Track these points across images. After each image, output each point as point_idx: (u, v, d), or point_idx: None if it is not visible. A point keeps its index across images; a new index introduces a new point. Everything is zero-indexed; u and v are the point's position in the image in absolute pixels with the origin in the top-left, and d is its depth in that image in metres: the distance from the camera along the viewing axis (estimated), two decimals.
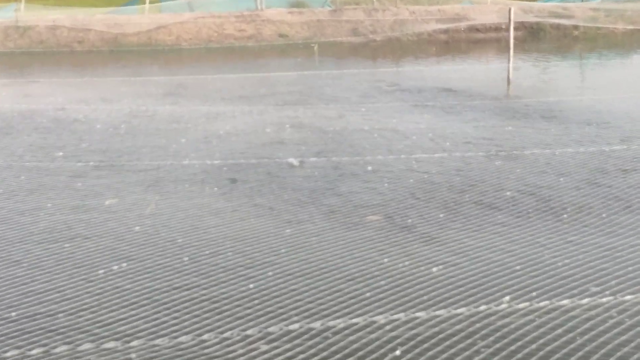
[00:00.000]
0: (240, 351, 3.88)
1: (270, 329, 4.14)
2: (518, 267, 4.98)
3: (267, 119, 11.07)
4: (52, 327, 4.09)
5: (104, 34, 25.49)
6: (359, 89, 14.44)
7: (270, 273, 4.95)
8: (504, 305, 4.37)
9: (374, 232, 5.77)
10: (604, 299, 4.43)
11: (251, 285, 4.72)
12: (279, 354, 3.85)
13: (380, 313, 4.30)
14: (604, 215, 6.10)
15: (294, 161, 7.50)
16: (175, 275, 4.93)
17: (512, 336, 4.03)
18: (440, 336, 4.03)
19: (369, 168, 7.89)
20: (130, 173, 7.88)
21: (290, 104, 12.59)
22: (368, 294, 4.56)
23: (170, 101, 13.11)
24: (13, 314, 4.28)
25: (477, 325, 4.16)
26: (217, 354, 3.85)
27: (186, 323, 4.23)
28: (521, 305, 4.37)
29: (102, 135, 9.93)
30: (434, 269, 4.97)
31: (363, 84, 15.17)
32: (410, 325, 4.17)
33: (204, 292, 4.64)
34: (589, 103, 12.29)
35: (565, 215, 6.12)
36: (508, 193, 6.84)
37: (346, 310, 4.34)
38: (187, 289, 4.68)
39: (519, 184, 7.15)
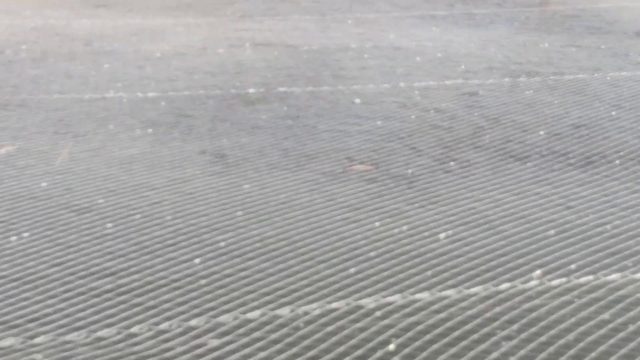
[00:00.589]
0: (182, 348, 3.89)
1: (222, 319, 4.15)
2: (552, 233, 5.01)
3: (220, 36, 11.01)
4: None
5: None
6: None
7: (222, 244, 4.95)
8: (533, 283, 4.40)
9: (361, 188, 5.77)
10: None
11: (197, 261, 4.72)
12: (233, 351, 3.86)
13: (369, 295, 4.33)
14: None
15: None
16: (95, 248, 4.92)
17: (543, 323, 4.07)
18: (448, 324, 4.06)
19: (357, 101, 7.88)
20: (35, 111, 7.81)
21: (253, 15, 12.51)
22: (352, 270, 4.58)
23: (90, 13, 12.99)
24: None
25: (497, 309, 4.20)
26: (151, 351, 3.85)
27: (109, 312, 4.23)
28: (555, 282, 4.41)
29: None
30: (441, 236, 4.99)
31: None
32: (408, 310, 4.19)
33: (133, 270, 4.64)
34: None
35: (617, 162, 6.16)
36: (541, 133, 6.86)
37: (324, 292, 4.36)
38: (111, 267, 4.67)
39: (557, 121, 7.17)
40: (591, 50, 9.75)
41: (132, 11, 13.04)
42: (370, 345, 3.91)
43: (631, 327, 4.03)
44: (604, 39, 10.28)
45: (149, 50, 10.27)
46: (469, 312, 4.16)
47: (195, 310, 4.24)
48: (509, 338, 3.95)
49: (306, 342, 3.94)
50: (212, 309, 4.24)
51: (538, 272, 4.52)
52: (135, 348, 3.90)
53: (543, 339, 3.93)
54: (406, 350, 3.86)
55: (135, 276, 4.56)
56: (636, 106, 7.48)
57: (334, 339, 3.96)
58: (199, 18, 12.29)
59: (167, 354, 3.86)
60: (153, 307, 4.29)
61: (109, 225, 5.25)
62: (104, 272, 4.62)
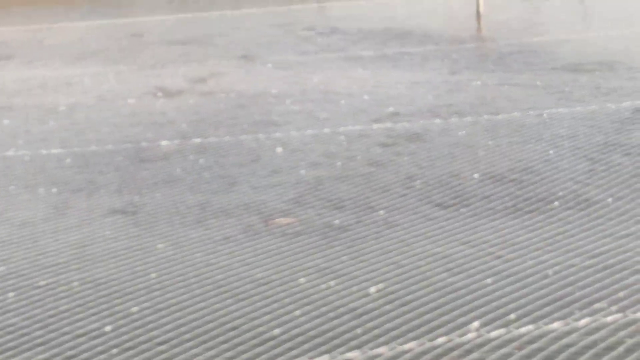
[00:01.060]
0: None
1: None
2: (489, 282, 5.05)
3: (130, 86, 10.99)
4: None
5: None
6: (264, 37, 14.44)
7: (134, 309, 4.91)
8: (470, 335, 4.43)
9: (284, 243, 5.77)
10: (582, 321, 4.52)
11: (108, 328, 4.68)
12: None
13: (294, 358, 4.32)
14: (609, 200, 6.26)
15: None
16: None
17: None
18: None
19: (279, 149, 7.91)
20: None
21: (165, 62, 12.51)
22: (277, 331, 4.56)
23: None
24: None
25: None
26: None
27: None
28: (494, 334, 4.44)
29: None
30: (371, 290, 5.01)
31: (270, 29, 15.19)
32: None
33: (37, 343, 4.57)
34: (593, 42, 12.57)
35: (556, 203, 6.25)
36: (475, 176, 6.93)
37: None
38: (10, 342, 4.60)
39: (491, 164, 7.26)
40: (527, 87, 9.91)
41: (31, 62, 12.97)
42: None
43: None
44: (540, 75, 10.44)
45: (52, 103, 10.21)
46: None
47: None
48: None
49: None
50: None
51: (475, 323, 4.55)
52: None
53: None
54: None
55: (40, 349, 4.49)
56: (574, 145, 7.60)
57: None
58: (107, 66, 12.26)
59: None
60: None
61: (10, 295, 5.18)
62: (3, 347, 4.55)
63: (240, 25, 15.84)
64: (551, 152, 7.46)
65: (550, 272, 5.12)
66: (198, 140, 8.35)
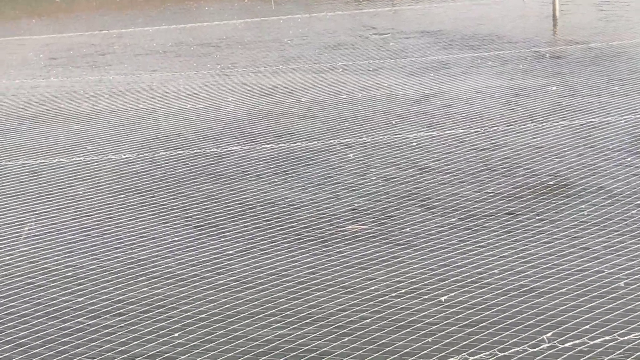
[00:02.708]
0: None
1: None
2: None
3: (200, 88, 11.05)
4: None
5: None
6: (334, 41, 14.44)
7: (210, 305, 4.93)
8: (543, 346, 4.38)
9: (354, 248, 5.75)
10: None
11: (176, 333, 4.70)
12: None
13: None
14: None
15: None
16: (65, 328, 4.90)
17: None
18: None
19: (350, 155, 7.90)
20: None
21: (235, 67, 12.58)
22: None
23: (58, 71, 13.06)
24: None
25: None
26: None
27: None
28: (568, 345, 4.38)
29: None
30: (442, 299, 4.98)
31: (341, 34, 15.19)
32: None
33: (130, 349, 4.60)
34: None
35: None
36: (551, 183, 6.86)
37: None
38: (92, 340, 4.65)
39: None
40: (601, 90, 9.81)
41: (103, 67, 13.12)
42: None
43: None
44: (618, 78, 10.32)
45: (123, 107, 10.30)
46: None
47: None
48: None
49: None
50: None
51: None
52: None
53: None
54: None
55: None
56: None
57: None
58: (177, 71, 12.35)
59: None
60: None
61: (80, 299, 5.22)
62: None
63: (309, 30, 15.86)
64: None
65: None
66: (267, 145, 8.36)
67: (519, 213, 6.27)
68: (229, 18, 17.83)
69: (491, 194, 6.68)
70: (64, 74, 12.76)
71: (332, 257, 5.65)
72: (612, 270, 5.23)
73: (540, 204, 6.43)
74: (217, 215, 6.56)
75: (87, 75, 12.56)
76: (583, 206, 6.33)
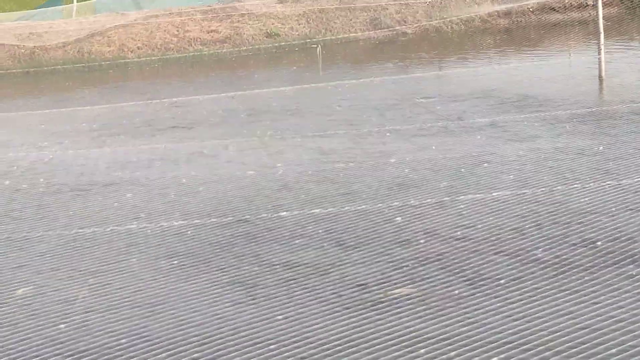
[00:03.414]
0: None
1: None
2: None
3: (250, 158, 11.15)
4: None
5: (15, 49, 25.84)
6: (382, 105, 14.54)
7: None
8: None
9: (405, 315, 5.77)
10: None
11: None
12: None
13: None
14: None
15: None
16: None
17: None
18: None
19: (398, 219, 7.94)
20: (40, 246, 7.95)
21: (284, 132, 12.69)
22: None
23: (111, 140, 13.25)
24: None
25: None
26: None
27: None
28: None
29: (3, 197, 10.04)
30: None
31: (388, 98, 15.29)
32: None
33: None
34: None
35: None
36: (599, 243, 6.85)
37: None
38: None
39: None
40: None
41: (155, 136, 13.29)
42: None
43: None
44: None
45: (174, 176, 10.41)
46: None
47: None
48: None
49: None
50: None
51: None
52: None
53: None
54: None
55: None
56: None
57: None
58: (227, 139, 12.47)
59: None
60: None
61: None
62: None
63: (357, 95, 15.98)
64: None
65: None
66: (316, 210, 8.42)
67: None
68: (277, 85, 18.01)
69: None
70: (117, 144, 12.94)
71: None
72: None
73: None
74: (267, 279, 6.61)
75: (139, 144, 12.73)
76: None
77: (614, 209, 7.75)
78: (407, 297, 6.07)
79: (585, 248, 6.77)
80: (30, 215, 9.15)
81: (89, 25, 26.53)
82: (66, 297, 6.60)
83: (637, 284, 5.97)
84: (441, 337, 5.34)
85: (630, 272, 6.18)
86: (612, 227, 7.24)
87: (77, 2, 29.31)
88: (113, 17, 27.12)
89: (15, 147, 13.23)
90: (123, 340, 5.69)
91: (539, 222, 7.53)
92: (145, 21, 26.43)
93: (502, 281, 6.21)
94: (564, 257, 6.60)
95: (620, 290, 5.87)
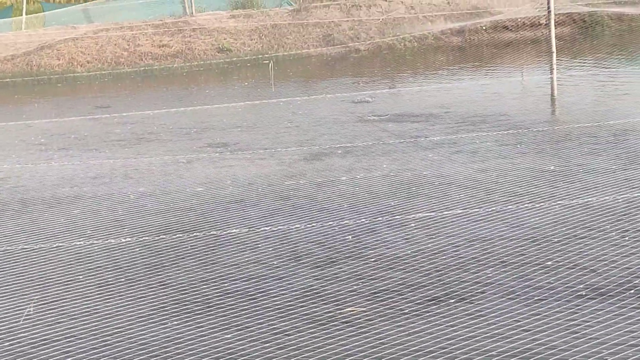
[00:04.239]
0: None
1: None
2: None
3: (199, 173, 11.13)
4: None
5: None
6: (333, 123, 14.57)
7: None
8: None
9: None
10: None
11: None
12: None
13: None
14: None
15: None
16: None
17: None
18: None
19: (349, 238, 7.95)
20: None
21: (234, 150, 12.67)
22: None
23: (60, 155, 13.15)
24: None
25: None
26: None
27: None
28: None
29: None
30: None
31: (340, 115, 15.32)
32: None
33: None
34: None
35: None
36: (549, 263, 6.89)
37: None
38: None
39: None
40: (607, 173, 9.88)
41: (104, 151, 13.22)
42: None
43: None
44: (622, 159, 10.40)
45: (122, 191, 10.36)
46: None
47: None
48: None
49: None
50: None
51: None
52: None
53: None
54: None
55: None
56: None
57: None
58: (177, 154, 12.44)
59: None
60: None
61: None
62: None
63: (310, 111, 16.01)
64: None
65: None
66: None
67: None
68: (228, 101, 18.00)
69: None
70: (65, 159, 12.85)
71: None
72: None
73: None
74: (217, 299, 6.59)
75: (88, 159, 12.65)
76: None
77: (564, 229, 7.82)
78: (354, 315, 6.08)
79: (536, 268, 6.82)
80: None
81: (38, 38, 26.37)
82: (11, 308, 6.56)
83: (587, 304, 6.03)
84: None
85: (580, 292, 6.24)
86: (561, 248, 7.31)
87: (27, 14, 29.12)
88: (63, 30, 26.97)
89: None
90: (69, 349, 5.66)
91: (487, 240, 7.58)
92: (96, 35, 26.31)
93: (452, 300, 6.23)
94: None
95: (579, 314, 5.92)
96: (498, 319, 5.86)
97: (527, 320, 5.80)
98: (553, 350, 5.32)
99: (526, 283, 6.50)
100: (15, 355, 5.78)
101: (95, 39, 26.15)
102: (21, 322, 6.36)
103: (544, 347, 5.38)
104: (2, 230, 9.01)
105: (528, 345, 5.41)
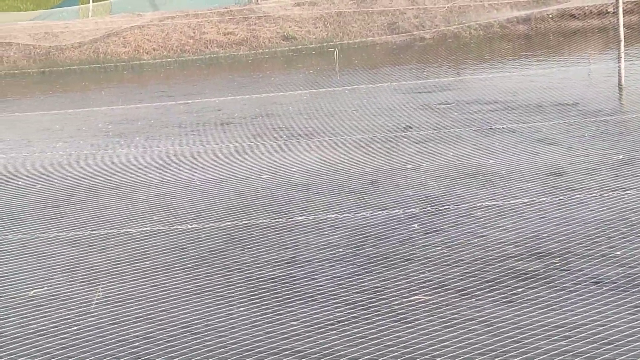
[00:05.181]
0: None
1: None
2: None
3: (262, 161, 11.14)
4: None
5: (31, 49, 25.92)
6: (399, 111, 14.52)
7: None
8: None
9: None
10: None
11: None
12: None
13: None
14: None
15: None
16: None
17: None
18: None
19: (415, 226, 7.91)
20: (56, 247, 7.95)
21: (300, 136, 12.68)
22: None
23: (126, 142, 13.25)
24: None
25: None
26: None
27: None
28: None
29: (17, 197, 10.05)
30: None
31: (405, 103, 15.27)
32: None
33: None
34: None
35: None
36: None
37: None
38: None
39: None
40: None
41: (170, 138, 13.29)
42: None
43: None
44: None
45: (188, 178, 10.41)
46: None
47: None
48: None
49: None
50: None
51: None
52: None
53: None
54: None
55: None
56: None
57: None
58: (248, 141, 12.46)
59: None
60: None
61: None
62: None
63: (375, 100, 15.97)
64: None
65: None
66: (332, 215, 8.41)
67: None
68: (294, 89, 18.02)
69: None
70: (132, 145, 12.95)
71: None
72: None
73: None
74: (284, 286, 6.60)
75: (154, 147, 12.74)
76: None
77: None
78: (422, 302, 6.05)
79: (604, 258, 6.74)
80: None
81: (105, 26, 26.59)
82: (80, 292, 6.61)
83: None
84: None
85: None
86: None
87: (93, 2, 29.39)
88: (129, 18, 27.18)
89: (25, 147, 13.27)
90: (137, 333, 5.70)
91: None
92: (161, 22, 26.47)
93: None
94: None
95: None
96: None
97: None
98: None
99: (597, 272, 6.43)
100: (85, 340, 5.82)
101: (161, 26, 26.32)
102: (92, 307, 6.41)
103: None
104: (70, 216, 9.10)
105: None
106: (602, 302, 5.87)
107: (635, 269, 6.45)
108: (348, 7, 26.94)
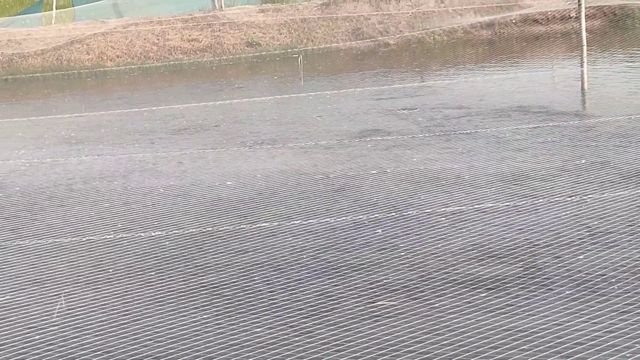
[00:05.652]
0: None
1: None
2: None
3: (226, 168, 11.11)
4: None
5: None
6: (364, 116, 14.52)
7: None
8: None
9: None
10: None
11: None
12: None
13: None
14: None
15: None
16: None
17: None
18: None
19: (379, 232, 7.92)
20: (17, 256, 7.89)
21: (263, 143, 12.65)
22: None
23: (89, 149, 13.18)
24: None
25: None
26: None
27: None
28: None
29: None
30: None
31: (369, 109, 15.28)
32: None
33: None
34: None
35: None
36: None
37: None
38: None
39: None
40: (635, 163, 9.81)
41: (133, 145, 13.23)
42: None
43: None
44: None
45: (152, 185, 10.36)
46: None
47: None
48: None
49: None
50: None
51: None
52: None
53: None
54: None
55: None
56: None
57: None
58: (205, 148, 12.43)
59: None
60: None
61: None
62: None
63: (338, 106, 15.97)
64: None
65: None
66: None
67: None
68: (258, 95, 18.01)
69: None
70: (95, 152, 12.88)
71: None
72: None
73: None
74: (246, 292, 6.58)
75: (117, 154, 12.68)
76: None
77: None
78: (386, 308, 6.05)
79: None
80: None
81: (68, 33, 26.47)
82: (41, 302, 6.57)
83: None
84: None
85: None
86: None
87: (57, 9, 29.24)
88: (93, 25, 27.06)
89: None
90: (97, 344, 5.66)
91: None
92: (125, 29, 26.37)
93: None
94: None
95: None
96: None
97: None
98: None
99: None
100: (47, 350, 5.78)
101: (124, 33, 26.21)
102: (54, 316, 6.37)
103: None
104: (32, 225, 9.04)
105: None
106: (565, 307, 5.90)
107: (597, 274, 6.49)
108: (312, 13, 26.95)
